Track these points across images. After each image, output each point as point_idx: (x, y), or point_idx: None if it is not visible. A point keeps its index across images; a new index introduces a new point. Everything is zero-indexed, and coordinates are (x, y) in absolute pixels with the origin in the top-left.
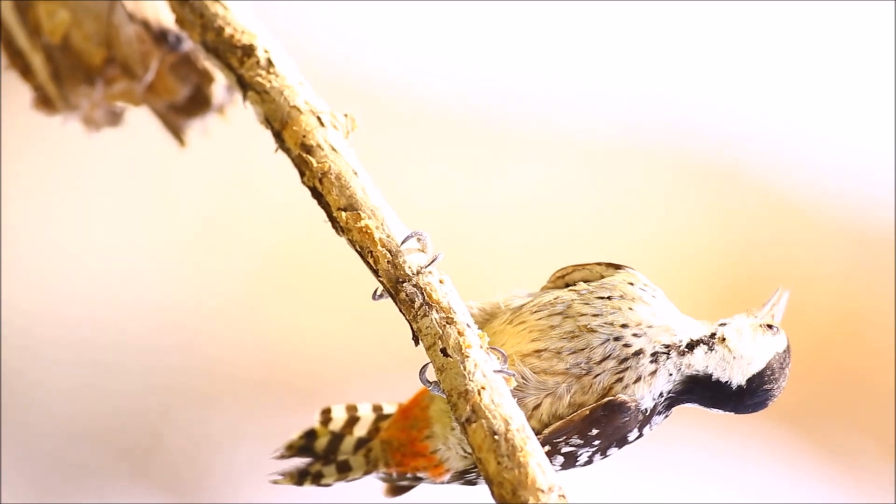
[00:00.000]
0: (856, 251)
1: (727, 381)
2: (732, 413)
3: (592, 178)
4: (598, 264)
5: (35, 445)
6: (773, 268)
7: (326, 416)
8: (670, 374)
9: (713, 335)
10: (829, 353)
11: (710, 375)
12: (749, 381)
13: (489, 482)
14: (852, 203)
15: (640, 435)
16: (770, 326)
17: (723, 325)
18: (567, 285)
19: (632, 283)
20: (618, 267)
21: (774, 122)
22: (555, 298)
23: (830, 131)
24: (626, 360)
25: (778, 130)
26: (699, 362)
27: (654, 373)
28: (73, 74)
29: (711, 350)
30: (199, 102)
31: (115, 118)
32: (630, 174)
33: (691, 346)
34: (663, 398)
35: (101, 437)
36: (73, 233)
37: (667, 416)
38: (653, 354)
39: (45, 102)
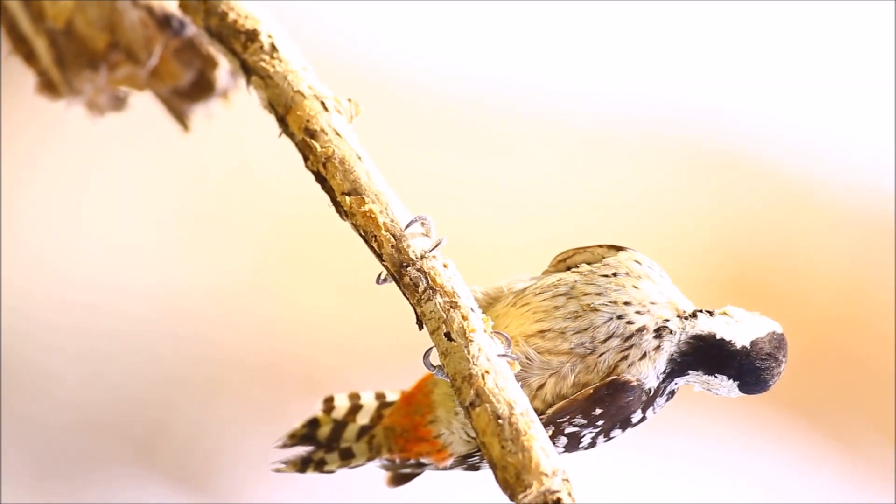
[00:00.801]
0: (859, 238)
1: (731, 340)
2: (735, 383)
3: (594, 165)
4: (600, 246)
5: (37, 434)
6: (777, 255)
7: (329, 404)
8: (673, 342)
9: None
10: (830, 340)
11: (714, 334)
12: (752, 343)
13: (493, 466)
14: (856, 190)
15: (644, 417)
16: None
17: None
18: (569, 268)
19: (638, 262)
20: (620, 249)
21: (778, 109)
22: (558, 280)
23: (833, 118)
24: (630, 337)
25: (781, 118)
26: (703, 324)
27: (657, 348)
28: (77, 59)
29: (713, 316)
30: (202, 87)
31: (118, 103)
32: (632, 161)
33: (694, 314)
34: (667, 370)
35: (104, 425)
36: (76, 219)
37: (670, 399)
38: (656, 330)
39: (48, 87)
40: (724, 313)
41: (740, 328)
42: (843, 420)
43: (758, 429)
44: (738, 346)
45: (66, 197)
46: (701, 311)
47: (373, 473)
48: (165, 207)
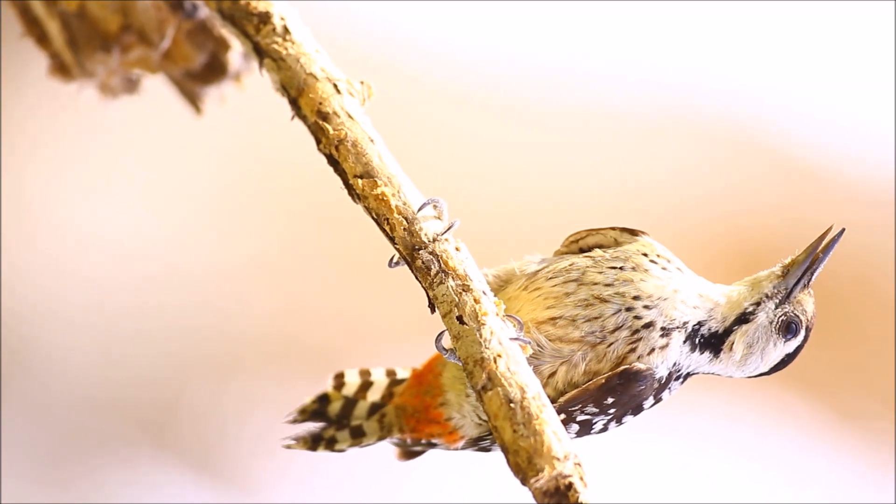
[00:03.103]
0: (869, 215)
1: (729, 376)
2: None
3: (606, 144)
4: (613, 229)
5: (45, 412)
6: (785, 233)
7: (339, 380)
8: (681, 351)
9: (727, 333)
10: (837, 318)
11: (713, 373)
12: (751, 376)
13: (505, 450)
14: (861, 169)
15: (659, 400)
16: (788, 327)
17: (744, 319)
18: (581, 250)
19: (645, 254)
20: (632, 232)
21: (789, 88)
22: (570, 265)
23: (847, 99)
24: (637, 331)
25: (794, 99)
26: (703, 367)
27: (665, 346)
28: (90, 42)
29: (717, 358)
30: (215, 70)
31: (131, 86)
32: (644, 141)
33: (701, 341)
34: (677, 363)
35: (116, 404)
36: (90, 197)
37: (684, 381)
38: (663, 328)
39: (61, 70)
40: (730, 353)
41: (741, 371)
42: (847, 394)
43: (765, 404)
44: (735, 377)
45: (80, 173)
46: (709, 343)
47: (382, 456)
48: (179, 190)
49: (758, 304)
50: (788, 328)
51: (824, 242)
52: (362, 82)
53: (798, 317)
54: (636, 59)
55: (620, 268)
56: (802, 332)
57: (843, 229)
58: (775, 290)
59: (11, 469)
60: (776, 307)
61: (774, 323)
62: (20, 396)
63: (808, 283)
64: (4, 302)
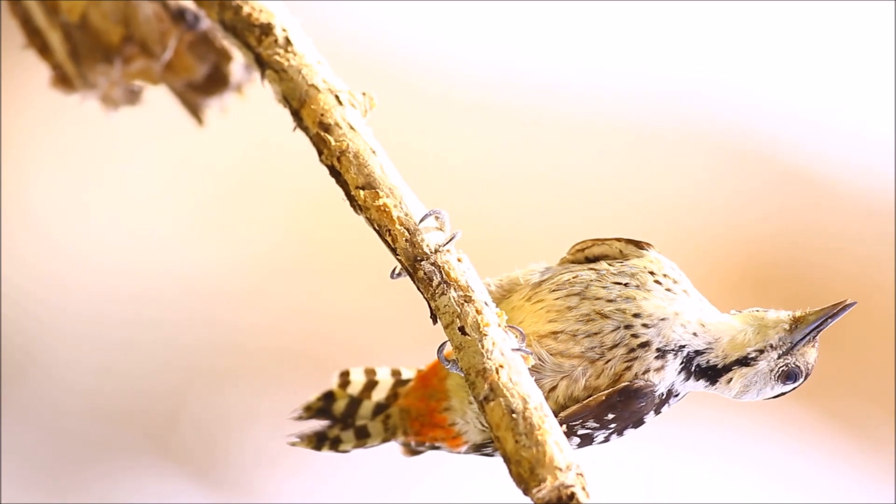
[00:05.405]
0: (870, 224)
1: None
2: None
3: (611, 157)
4: (618, 240)
5: (46, 422)
6: (790, 241)
7: (345, 378)
8: (676, 378)
9: (726, 370)
10: (839, 325)
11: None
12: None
13: (507, 460)
14: (870, 179)
15: (658, 414)
16: (788, 376)
17: (745, 362)
18: (587, 259)
19: (652, 272)
20: (638, 244)
21: (794, 100)
22: (574, 277)
23: (850, 109)
24: (633, 349)
25: (797, 107)
26: (698, 390)
27: (660, 368)
28: (92, 53)
29: (712, 386)
30: (217, 81)
31: (133, 97)
32: (650, 153)
33: (697, 370)
34: (674, 384)
35: (118, 413)
36: (90, 206)
37: (680, 399)
38: (658, 349)
39: (63, 81)
40: (728, 386)
41: (736, 399)
42: (847, 402)
43: (765, 412)
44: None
45: (81, 184)
46: (706, 372)
47: (387, 462)
48: (180, 201)
49: (761, 351)
50: (788, 377)
51: (836, 310)
52: (364, 93)
53: (799, 367)
54: (641, 71)
55: (625, 284)
56: (801, 379)
57: (856, 302)
58: (780, 342)
59: (12, 479)
60: (779, 357)
61: (775, 371)
62: (21, 407)
63: (813, 338)
64: (5, 313)
